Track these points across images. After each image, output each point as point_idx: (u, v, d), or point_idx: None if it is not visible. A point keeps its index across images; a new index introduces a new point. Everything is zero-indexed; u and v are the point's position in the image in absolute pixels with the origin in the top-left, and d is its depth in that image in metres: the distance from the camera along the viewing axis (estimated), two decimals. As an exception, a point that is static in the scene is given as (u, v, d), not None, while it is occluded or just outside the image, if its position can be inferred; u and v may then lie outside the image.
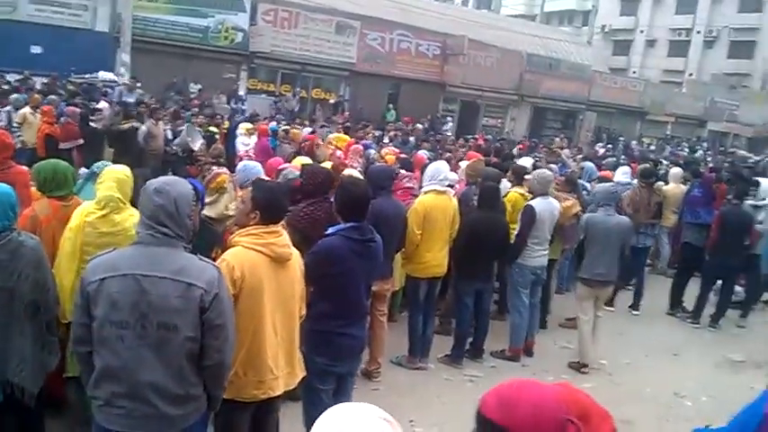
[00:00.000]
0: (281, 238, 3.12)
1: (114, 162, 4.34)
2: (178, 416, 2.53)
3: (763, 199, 7.91)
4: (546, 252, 6.03)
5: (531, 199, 6.01)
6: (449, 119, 23.93)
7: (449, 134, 19.65)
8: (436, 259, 5.52)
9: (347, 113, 20.23)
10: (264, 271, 3.03)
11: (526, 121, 28.17)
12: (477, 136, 19.00)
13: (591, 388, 5.55)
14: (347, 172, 5.64)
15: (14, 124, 10.60)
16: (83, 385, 2.68)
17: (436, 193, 5.50)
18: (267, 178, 5.09)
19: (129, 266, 2.45)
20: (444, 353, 5.83)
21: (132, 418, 2.47)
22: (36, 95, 11.95)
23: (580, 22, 47.59)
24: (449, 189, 5.71)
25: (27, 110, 10.70)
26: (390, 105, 22.80)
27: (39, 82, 15.53)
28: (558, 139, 20.23)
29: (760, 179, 8.66)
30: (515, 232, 5.90)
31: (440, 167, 5.75)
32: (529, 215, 5.81)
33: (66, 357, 3.50)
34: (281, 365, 3.15)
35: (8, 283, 3.14)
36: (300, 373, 3.33)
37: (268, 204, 3.12)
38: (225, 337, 2.59)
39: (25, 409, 3.18)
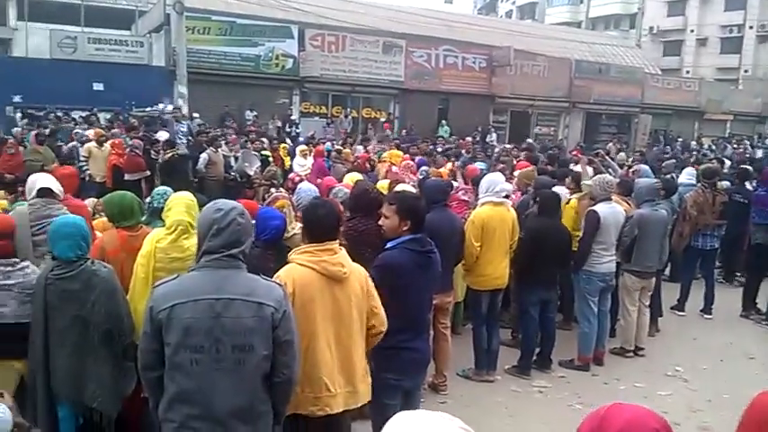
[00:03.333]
0: (335, 256, 3.09)
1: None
2: None
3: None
4: (613, 258, 5.90)
5: (594, 204, 5.90)
6: (492, 129, 23.73)
7: (494, 144, 19.57)
8: (497, 271, 5.43)
9: (403, 130, 20.72)
10: (317, 288, 3.03)
11: (580, 127, 27.76)
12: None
13: (667, 395, 5.39)
14: (400, 187, 5.64)
15: (81, 158, 11.02)
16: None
17: (493, 204, 5.41)
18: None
19: (200, 291, 2.48)
20: (512, 364, 5.74)
21: None
22: (99, 129, 12.46)
23: (627, 26, 46.71)
24: (505, 200, 5.60)
25: (92, 144, 11.03)
26: (444, 121, 22.85)
27: (102, 117, 16.31)
28: (611, 144, 19.86)
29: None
30: (579, 238, 5.81)
31: (495, 179, 5.65)
32: (592, 221, 5.71)
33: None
34: (338, 383, 3.10)
35: (82, 311, 3.25)
36: (365, 395, 3.25)
37: (312, 224, 3.16)
38: (293, 354, 2.63)
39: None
